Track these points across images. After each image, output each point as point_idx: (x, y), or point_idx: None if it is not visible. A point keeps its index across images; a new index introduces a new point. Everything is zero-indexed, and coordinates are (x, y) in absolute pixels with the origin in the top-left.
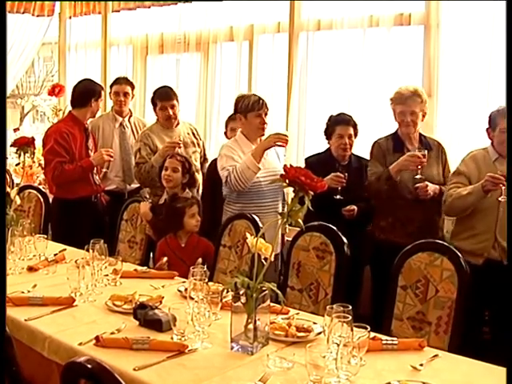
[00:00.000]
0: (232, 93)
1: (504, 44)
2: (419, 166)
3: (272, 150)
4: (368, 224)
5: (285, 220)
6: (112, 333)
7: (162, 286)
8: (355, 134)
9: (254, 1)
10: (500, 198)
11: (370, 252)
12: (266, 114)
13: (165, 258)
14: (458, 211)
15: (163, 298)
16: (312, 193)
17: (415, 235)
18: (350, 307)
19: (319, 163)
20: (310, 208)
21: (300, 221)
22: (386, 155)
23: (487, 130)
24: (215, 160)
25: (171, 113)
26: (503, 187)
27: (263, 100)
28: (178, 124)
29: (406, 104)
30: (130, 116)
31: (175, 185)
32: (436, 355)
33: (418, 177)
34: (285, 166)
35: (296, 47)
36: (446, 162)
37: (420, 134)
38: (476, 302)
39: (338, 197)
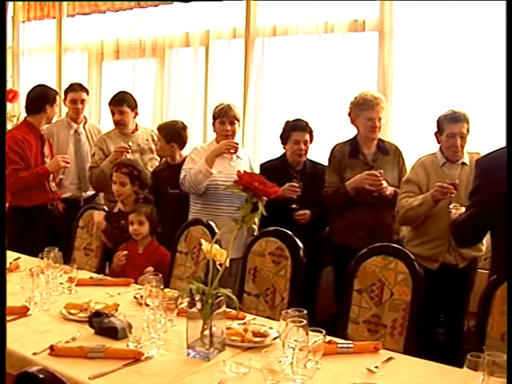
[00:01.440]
0: (188, 98)
1: (456, 49)
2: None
3: (244, 156)
4: (325, 227)
5: (239, 226)
6: (67, 342)
7: (118, 294)
8: (311, 140)
9: (210, 4)
10: (451, 210)
11: (329, 255)
12: (232, 122)
13: (125, 252)
14: (410, 221)
15: (119, 305)
16: (266, 198)
17: (368, 238)
18: (305, 311)
19: (274, 169)
20: (264, 213)
21: (254, 226)
22: (341, 161)
23: (435, 134)
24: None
25: (119, 118)
26: (452, 195)
27: (229, 108)
28: (136, 130)
29: (375, 110)
30: (85, 123)
31: (126, 197)
32: (391, 357)
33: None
34: (238, 172)
35: (252, 53)
36: (403, 166)
37: (378, 139)
38: (431, 304)
39: (294, 206)
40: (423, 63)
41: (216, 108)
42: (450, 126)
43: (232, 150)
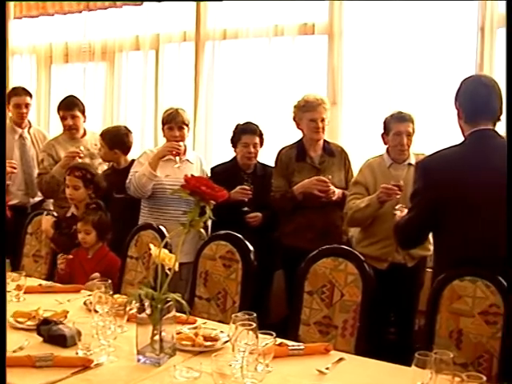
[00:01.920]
0: (138, 102)
1: (404, 51)
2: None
3: (195, 159)
4: (275, 230)
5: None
6: (14, 351)
7: (68, 301)
8: (261, 143)
9: (160, 7)
10: (395, 212)
11: (280, 257)
12: (180, 128)
13: (70, 256)
14: (358, 223)
15: (68, 312)
16: (213, 202)
17: (317, 240)
18: (255, 315)
19: (225, 172)
20: (212, 218)
21: (202, 230)
22: (288, 165)
23: (382, 135)
24: None
25: (71, 123)
26: (398, 196)
27: (177, 113)
28: (84, 134)
29: (317, 111)
30: (29, 127)
31: (79, 200)
32: (342, 358)
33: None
34: (185, 176)
35: (202, 56)
36: (350, 168)
37: (324, 141)
38: (382, 304)
39: (245, 209)
40: (372, 66)
41: (164, 113)
42: (397, 125)
43: (174, 152)
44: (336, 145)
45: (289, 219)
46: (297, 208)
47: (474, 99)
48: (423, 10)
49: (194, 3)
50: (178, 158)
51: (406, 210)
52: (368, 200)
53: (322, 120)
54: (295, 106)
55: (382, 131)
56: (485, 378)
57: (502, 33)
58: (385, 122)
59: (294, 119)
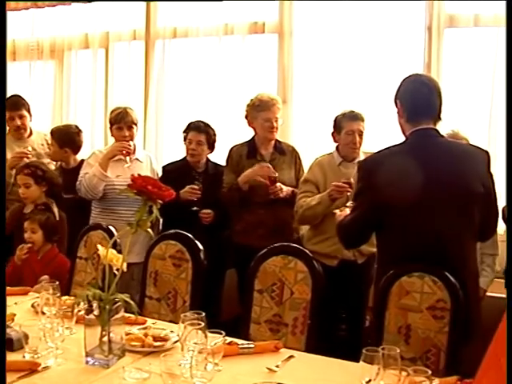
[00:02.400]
0: (88, 102)
1: (355, 50)
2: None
3: (145, 158)
4: (227, 228)
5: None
6: None
7: (15, 303)
8: (209, 142)
9: (110, 5)
10: (335, 211)
11: (232, 256)
12: (129, 127)
13: (29, 244)
14: (309, 220)
15: (15, 315)
16: (161, 201)
17: (268, 238)
18: (204, 314)
19: (176, 170)
20: (159, 217)
21: (149, 230)
22: (239, 162)
23: (333, 134)
24: None
25: (19, 123)
26: (348, 193)
27: (126, 113)
28: (30, 134)
29: (271, 111)
30: None
31: (34, 198)
32: (291, 356)
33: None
34: (132, 175)
35: (152, 55)
36: (300, 167)
37: (276, 140)
38: (332, 301)
39: (194, 208)
40: (322, 64)
41: (112, 113)
42: (349, 124)
43: (124, 152)
44: (287, 144)
45: (239, 217)
46: (246, 206)
47: (416, 98)
48: (372, 10)
49: (144, 1)
50: (128, 157)
51: (346, 210)
52: (319, 198)
53: (276, 120)
54: (248, 105)
55: (332, 129)
56: (430, 372)
57: (448, 33)
58: (336, 121)
59: (246, 118)
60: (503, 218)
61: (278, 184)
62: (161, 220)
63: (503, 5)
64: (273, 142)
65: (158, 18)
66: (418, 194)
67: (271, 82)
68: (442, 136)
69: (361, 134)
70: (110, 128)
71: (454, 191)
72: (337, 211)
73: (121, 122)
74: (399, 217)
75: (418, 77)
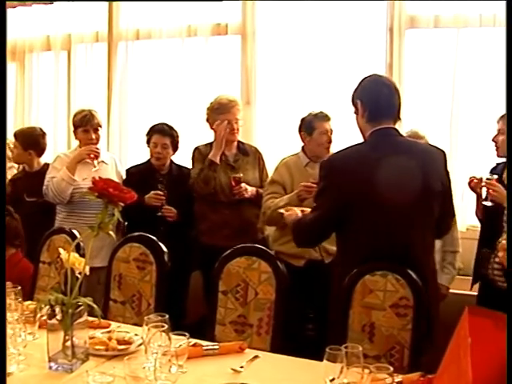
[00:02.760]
0: (50, 104)
1: (318, 51)
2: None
3: (109, 160)
4: (191, 228)
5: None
6: None
7: None
8: (173, 145)
9: (71, 7)
10: (280, 210)
11: (197, 257)
12: (96, 130)
13: None
14: (277, 221)
15: None
16: (122, 204)
17: (233, 238)
18: (167, 316)
19: (140, 173)
20: (120, 220)
21: (111, 233)
22: (205, 160)
23: (301, 134)
24: None
25: None
26: None
27: (92, 115)
28: None
29: (231, 112)
30: None
31: None
32: (256, 356)
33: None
34: (93, 178)
35: (115, 57)
36: (264, 167)
37: (238, 141)
38: (299, 301)
39: (159, 214)
40: (284, 65)
41: (77, 116)
42: (322, 124)
43: (92, 155)
44: (250, 145)
45: (204, 217)
46: (212, 206)
47: (377, 99)
48: (334, 11)
49: (106, 3)
50: (95, 161)
51: (295, 209)
52: (287, 198)
53: (237, 121)
54: (208, 108)
55: (301, 130)
56: (392, 369)
57: (409, 33)
58: (305, 121)
59: (208, 120)
60: (477, 215)
61: (243, 184)
62: (126, 223)
63: (463, 6)
64: (235, 143)
65: (121, 20)
66: (380, 192)
67: (234, 84)
68: (402, 135)
69: (331, 134)
70: (75, 131)
71: (417, 190)
72: (282, 210)
73: (87, 124)
74: (362, 216)
75: (378, 77)
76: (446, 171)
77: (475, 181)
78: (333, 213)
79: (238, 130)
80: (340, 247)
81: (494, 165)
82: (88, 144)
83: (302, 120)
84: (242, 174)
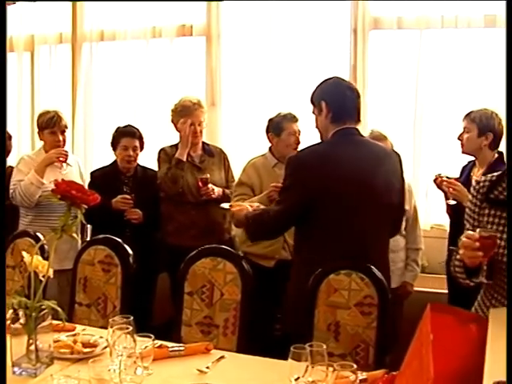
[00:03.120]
0: (13, 106)
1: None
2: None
3: (74, 163)
4: (157, 230)
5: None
6: None
7: None
8: (141, 147)
9: (35, 8)
10: (224, 205)
11: (163, 258)
12: (63, 132)
13: None
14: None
15: None
16: (85, 206)
17: (200, 238)
18: (132, 318)
19: (105, 176)
20: (84, 222)
21: (74, 235)
22: (171, 160)
23: (268, 135)
24: None
25: None
26: None
27: (59, 118)
28: None
29: (194, 115)
30: None
31: None
32: (222, 356)
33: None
34: (55, 180)
35: (79, 58)
36: (229, 168)
37: (203, 142)
38: (268, 301)
39: (127, 217)
40: (250, 66)
41: (42, 117)
42: (291, 125)
43: (62, 158)
44: (215, 146)
45: (171, 218)
46: (179, 206)
47: (343, 101)
48: (298, 12)
49: (70, 3)
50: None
51: (245, 205)
52: (257, 199)
53: (200, 123)
54: (172, 110)
55: (269, 131)
56: (355, 366)
57: (373, 34)
58: (273, 122)
59: (172, 122)
60: (447, 213)
61: (210, 185)
62: (89, 226)
63: (425, 7)
64: (200, 144)
65: (85, 21)
66: (343, 190)
67: (199, 85)
68: (363, 136)
69: (300, 135)
70: (40, 132)
71: (378, 187)
72: (224, 205)
73: (54, 126)
74: (325, 212)
75: (341, 80)
76: (402, 171)
77: (440, 179)
78: (297, 208)
79: (201, 132)
80: (300, 243)
81: (466, 163)
82: (55, 146)
83: (270, 121)
84: (208, 175)
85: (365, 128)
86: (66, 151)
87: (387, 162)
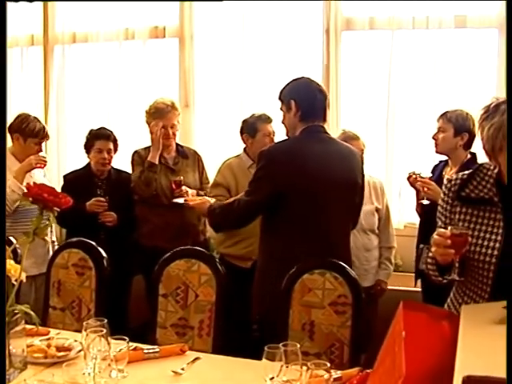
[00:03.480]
0: None
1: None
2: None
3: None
4: (132, 232)
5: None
6: None
7: None
8: (115, 149)
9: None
10: (176, 200)
11: (138, 260)
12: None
13: None
14: None
15: None
16: (58, 209)
17: (174, 240)
18: (106, 320)
19: (79, 179)
20: (56, 225)
21: (47, 238)
22: (145, 163)
23: (243, 136)
24: None
25: None
26: None
27: (44, 128)
28: None
29: (167, 117)
30: None
31: None
32: (197, 357)
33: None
34: (27, 184)
35: (51, 60)
36: (203, 169)
37: (177, 144)
38: (246, 302)
39: (101, 220)
40: (223, 67)
41: (26, 124)
42: (265, 126)
43: (42, 165)
44: (188, 148)
45: (146, 220)
46: (153, 208)
47: (313, 101)
48: (271, 13)
49: (41, 5)
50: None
51: (206, 198)
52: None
53: (173, 126)
54: (146, 112)
55: (243, 132)
56: (329, 365)
57: (345, 35)
58: (247, 123)
59: (147, 123)
60: (417, 211)
61: (184, 187)
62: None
63: (397, 8)
64: (174, 146)
65: (56, 23)
66: (310, 185)
67: (173, 86)
68: (328, 133)
69: (274, 136)
70: (19, 137)
71: (343, 185)
72: (178, 200)
73: (43, 138)
74: (293, 205)
75: (311, 81)
76: (362, 170)
77: (413, 176)
78: (266, 199)
79: (173, 134)
80: (265, 234)
81: (437, 162)
82: (32, 154)
83: (244, 122)
84: (182, 177)
85: (338, 127)
86: (45, 157)
87: (352, 160)
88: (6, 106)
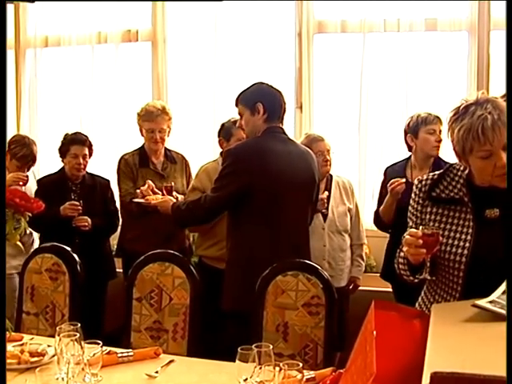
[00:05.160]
0: None
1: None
2: None
3: None
4: (107, 237)
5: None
6: None
7: None
8: (90, 154)
9: None
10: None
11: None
12: None
13: None
14: (199, 228)
15: None
16: (30, 214)
17: (161, 245)
18: (79, 325)
19: (52, 183)
20: (28, 230)
21: (19, 243)
22: (133, 170)
23: (220, 140)
24: None
25: None
26: None
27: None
28: None
29: (156, 121)
30: None
31: None
32: (172, 360)
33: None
34: None
35: (23, 65)
36: (190, 174)
37: (165, 149)
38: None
39: (74, 225)
40: (196, 71)
41: (12, 143)
42: (240, 131)
43: (22, 183)
44: (176, 152)
45: (133, 225)
46: (143, 213)
47: (276, 104)
48: (244, 16)
49: (12, 8)
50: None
51: (169, 197)
52: None
53: (161, 130)
54: (138, 114)
55: (220, 136)
56: (301, 365)
57: (318, 38)
58: (224, 127)
59: (138, 124)
60: (375, 221)
61: (174, 193)
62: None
63: (368, 11)
64: (163, 150)
65: (28, 27)
66: (273, 183)
67: (146, 90)
68: (286, 134)
69: None
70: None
71: (304, 182)
72: (138, 200)
73: (28, 163)
74: (257, 201)
75: (270, 85)
76: (319, 168)
77: (397, 184)
78: (232, 196)
79: (161, 139)
80: (231, 229)
81: (394, 162)
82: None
83: (222, 125)
84: (173, 184)
85: (311, 130)
86: (27, 175)
87: (310, 160)
88: (6, 106)
